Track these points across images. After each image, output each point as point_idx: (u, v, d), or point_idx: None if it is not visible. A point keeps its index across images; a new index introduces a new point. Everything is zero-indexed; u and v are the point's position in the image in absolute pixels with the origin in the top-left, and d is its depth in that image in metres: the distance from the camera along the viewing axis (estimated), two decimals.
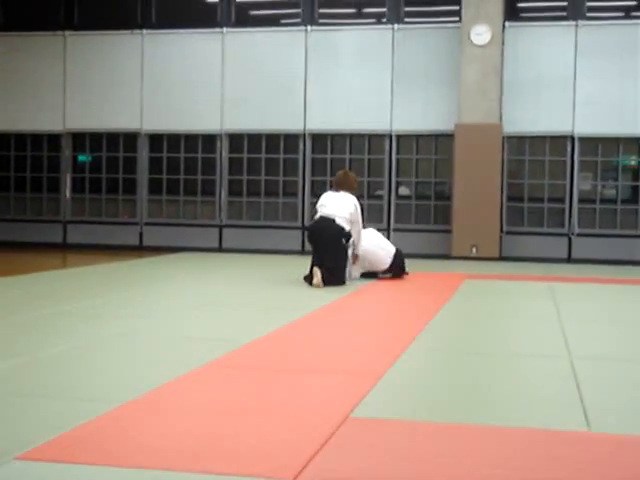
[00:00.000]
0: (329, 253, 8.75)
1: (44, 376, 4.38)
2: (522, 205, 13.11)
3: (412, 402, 4.00)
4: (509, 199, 13.05)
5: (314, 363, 4.86)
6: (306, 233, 9.28)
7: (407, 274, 9.80)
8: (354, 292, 8.39)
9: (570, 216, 12.92)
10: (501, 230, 12.87)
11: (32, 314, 6.50)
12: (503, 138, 12.80)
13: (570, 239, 12.91)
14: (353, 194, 9.18)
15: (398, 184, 13.59)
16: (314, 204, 13.59)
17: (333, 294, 8.05)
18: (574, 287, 9.42)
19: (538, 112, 12.90)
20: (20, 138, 14.75)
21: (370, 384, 4.24)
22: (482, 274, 10.52)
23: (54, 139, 14.61)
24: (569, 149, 12.90)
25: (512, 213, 13.10)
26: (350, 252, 8.99)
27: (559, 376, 4.59)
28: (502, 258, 12.75)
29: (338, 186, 9.24)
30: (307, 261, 11.48)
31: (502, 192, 12.83)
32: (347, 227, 8.84)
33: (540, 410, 3.86)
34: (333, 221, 8.83)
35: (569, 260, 12.83)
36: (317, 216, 9.13)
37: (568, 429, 3.54)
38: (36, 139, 14.70)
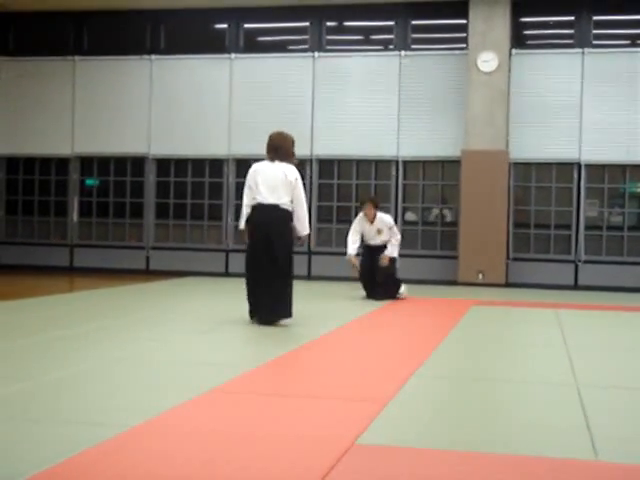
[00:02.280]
0: (275, 254, 7.20)
1: (51, 400, 4.38)
2: (529, 231, 13.11)
3: (418, 429, 3.98)
4: (515, 225, 13.06)
5: (319, 389, 4.85)
6: (247, 228, 7.33)
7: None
8: (360, 317, 8.38)
9: (577, 243, 12.91)
10: (507, 256, 12.86)
11: (39, 337, 6.50)
12: (509, 164, 12.83)
13: (577, 266, 12.89)
14: (291, 163, 7.43)
15: (404, 210, 13.61)
16: (320, 230, 13.69)
17: (339, 319, 8.04)
18: (581, 314, 9.39)
19: (544, 139, 12.93)
20: (29, 162, 14.83)
21: (376, 410, 4.22)
22: (488, 300, 10.50)
23: (62, 163, 14.68)
24: (575, 176, 12.92)
25: (518, 239, 13.10)
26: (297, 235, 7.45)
27: (566, 404, 4.57)
28: (508, 284, 12.73)
29: (274, 152, 7.38)
30: (314, 286, 11.50)
31: (508, 218, 12.84)
32: (291, 208, 7.31)
33: (547, 438, 3.83)
34: (277, 207, 7.23)
35: (576, 287, 12.79)
36: (254, 202, 7.29)
37: (575, 457, 3.52)
38: (44, 163, 14.77)
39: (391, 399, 4.51)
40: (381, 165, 13.68)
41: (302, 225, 7.37)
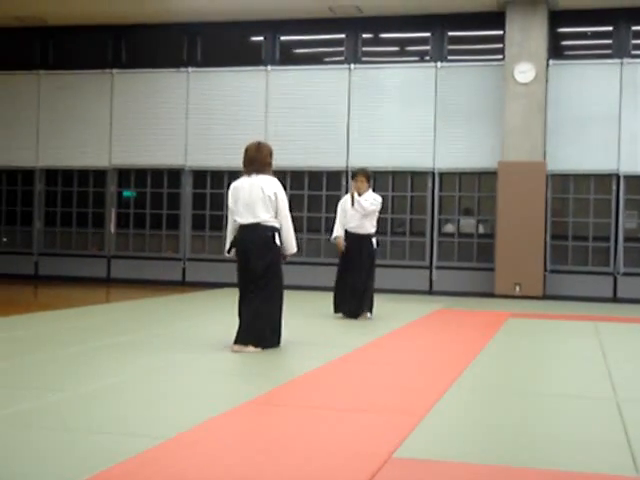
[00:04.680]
0: (258, 277, 6.67)
1: (89, 411, 4.40)
2: (566, 243, 12.99)
3: (455, 442, 3.95)
4: (553, 237, 12.94)
5: (355, 402, 4.83)
6: (233, 252, 6.81)
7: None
8: (395, 330, 8.34)
9: (615, 255, 12.76)
10: (545, 269, 12.74)
11: (76, 348, 6.55)
12: (547, 176, 12.72)
13: (615, 278, 12.74)
14: (270, 174, 7.07)
15: (444, 221, 13.53)
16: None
17: (374, 332, 8.01)
18: (620, 327, 9.27)
19: (582, 150, 12.82)
20: (67, 174, 15.00)
21: (413, 424, 4.19)
22: (526, 313, 10.41)
23: (100, 175, 14.83)
24: (614, 187, 12.78)
25: (556, 251, 12.98)
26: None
27: (606, 419, 4.51)
28: (546, 297, 12.61)
29: (250, 165, 7.05)
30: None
31: (546, 230, 12.73)
32: (277, 224, 6.79)
33: (586, 454, 3.78)
34: (257, 225, 6.70)
35: (614, 299, 12.64)
36: (236, 224, 6.85)
37: (616, 473, 3.46)
38: (82, 175, 14.93)
39: (428, 412, 4.48)
40: (417, 177, 13.64)
41: (288, 243, 6.83)
